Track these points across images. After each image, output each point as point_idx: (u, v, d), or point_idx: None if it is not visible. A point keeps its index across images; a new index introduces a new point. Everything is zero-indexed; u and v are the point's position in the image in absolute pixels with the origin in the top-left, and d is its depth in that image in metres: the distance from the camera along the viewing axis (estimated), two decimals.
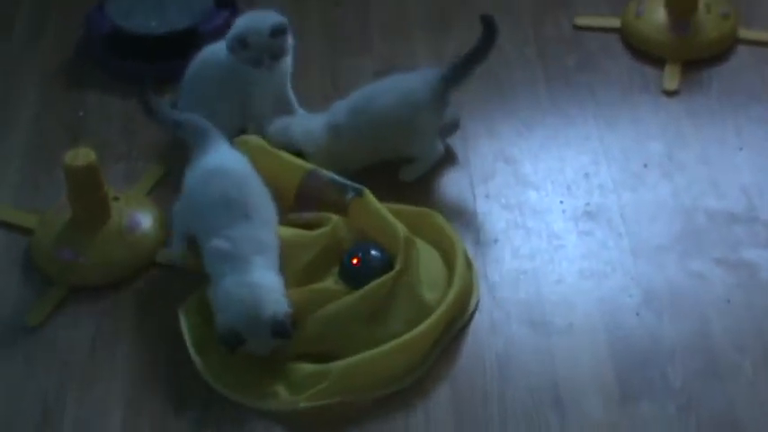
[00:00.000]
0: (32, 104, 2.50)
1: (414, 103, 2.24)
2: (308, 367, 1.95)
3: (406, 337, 1.96)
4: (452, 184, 2.30)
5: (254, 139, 2.22)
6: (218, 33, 2.53)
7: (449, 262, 2.10)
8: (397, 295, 2.01)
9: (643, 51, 2.54)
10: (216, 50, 2.33)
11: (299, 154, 2.20)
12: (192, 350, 1.98)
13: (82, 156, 2.06)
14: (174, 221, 2.12)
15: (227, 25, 2.55)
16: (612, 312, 2.06)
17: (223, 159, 2.08)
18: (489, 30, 2.23)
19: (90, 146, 2.10)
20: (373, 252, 2.07)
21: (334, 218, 2.11)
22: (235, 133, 2.25)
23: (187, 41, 2.52)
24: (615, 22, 2.60)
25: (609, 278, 2.12)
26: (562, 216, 2.23)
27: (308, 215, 2.14)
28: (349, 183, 2.15)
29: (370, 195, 2.12)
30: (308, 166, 2.18)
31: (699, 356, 1.98)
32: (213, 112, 2.24)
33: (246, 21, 2.29)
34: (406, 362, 1.96)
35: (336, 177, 2.16)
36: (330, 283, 2.05)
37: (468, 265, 2.11)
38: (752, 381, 1.94)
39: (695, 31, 2.52)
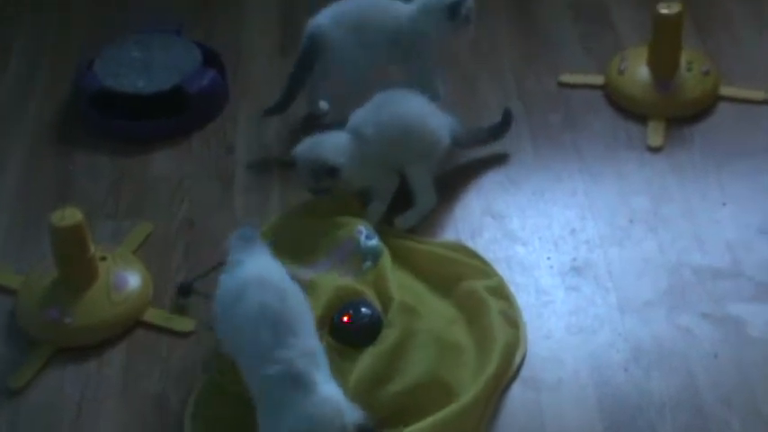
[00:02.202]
0: (20, 163, 2.50)
1: (432, 123, 2.32)
2: None
3: (463, 404, 1.94)
4: (441, 239, 2.30)
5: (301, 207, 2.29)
6: (205, 93, 2.56)
7: (481, 321, 2.09)
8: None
9: (627, 108, 2.57)
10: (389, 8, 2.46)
11: (331, 170, 2.21)
12: None
13: (68, 216, 2.06)
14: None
15: (214, 84, 2.58)
16: (601, 368, 2.06)
17: (260, 272, 1.91)
18: (508, 121, 2.43)
19: (77, 204, 2.10)
20: (363, 309, 2.07)
21: (326, 286, 2.11)
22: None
23: (174, 101, 2.54)
24: (598, 80, 2.63)
25: (597, 333, 2.12)
26: (549, 271, 2.24)
27: (307, 275, 2.14)
28: (371, 248, 2.17)
29: (384, 261, 2.16)
30: (347, 233, 2.19)
31: (687, 412, 1.98)
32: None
33: None
34: (465, 427, 1.95)
35: (362, 243, 2.18)
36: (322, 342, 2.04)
37: (508, 319, 2.10)
38: None
39: (677, 88, 2.55)
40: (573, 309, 2.17)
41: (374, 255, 2.18)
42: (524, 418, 1.98)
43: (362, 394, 1.94)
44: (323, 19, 2.45)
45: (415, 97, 2.35)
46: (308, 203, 2.30)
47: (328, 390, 1.81)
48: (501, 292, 2.16)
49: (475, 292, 2.14)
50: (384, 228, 2.28)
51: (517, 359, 2.06)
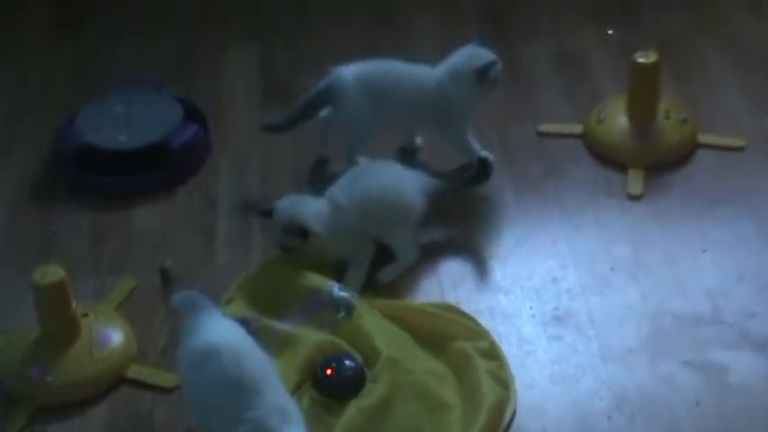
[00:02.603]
0: (3, 219, 2.50)
1: (406, 191, 2.33)
2: None
3: None
4: (422, 290, 2.31)
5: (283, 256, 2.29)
6: (187, 147, 2.57)
7: (469, 380, 2.09)
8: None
9: (606, 157, 2.59)
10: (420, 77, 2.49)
11: (302, 231, 2.23)
12: None
13: (51, 273, 2.06)
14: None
15: (196, 139, 2.60)
16: (584, 416, 2.06)
17: (216, 335, 1.93)
18: (485, 171, 2.41)
19: (59, 261, 2.11)
20: (347, 362, 2.07)
21: (308, 339, 2.12)
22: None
23: (156, 156, 2.55)
24: (578, 129, 2.65)
25: (580, 382, 2.12)
26: (532, 321, 2.25)
27: (285, 329, 2.15)
28: (344, 298, 2.18)
29: (360, 315, 2.16)
30: (318, 283, 2.21)
31: None
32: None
33: (483, 54, 2.47)
34: None
35: (334, 293, 2.19)
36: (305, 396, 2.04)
37: (497, 379, 2.09)
38: None
39: (656, 136, 2.57)
40: (555, 357, 2.17)
41: (347, 306, 2.18)
42: None
43: None
44: (347, 72, 2.47)
45: (391, 167, 2.36)
46: (282, 258, 2.31)
47: None
48: (492, 353, 2.15)
49: (464, 351, 2.13)
50: (370, 290, 2.29)
51: (506, 418, 2.05)
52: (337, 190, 2.33)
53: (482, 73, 2.45)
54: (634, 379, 2.12)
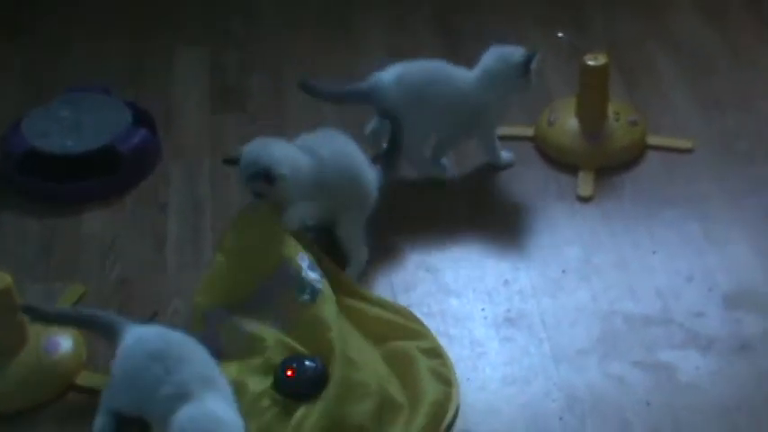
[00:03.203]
0: None
1: (367, 177, 2.32)
2: None
3: None
4: (375, 292, 2.30)
5: (264, 207, 2.20)
6: (136, 152, 2.55)
7: (409, 378, 2.09)
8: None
9: (557, 159, 2.60)
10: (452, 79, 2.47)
11: (267, 174, 2.16)
12: None
13: None
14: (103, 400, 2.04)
15: (145, 143, 2.58)
16: (536, 418, 2.07)
17: (141, 331, 2.02)
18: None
19: (6, 267, 2.08)
20: (307, 363, 2.07)
21: (270, 340, 2.11)
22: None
23: (105, 160, 2.53)
24: (528, 131, 2.66)
25: (531, 384, 2.13)
26: (484, 323, 2.25)
27: (249, 329, 2.13)
28: (311, 281, 2.15)
29: (323, 301, 2.14)
30: (289, 254, 2.17)
31: None
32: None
33: (514, 49, 2.47)
34: None
35: (302, 273, 2.16)
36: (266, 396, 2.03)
37: (439, 376, 2.09)
38: None
39: (606, 138, 2.59)
40: (507, 359, 2.18)
41: (312, 290, 2.15)
42: None
43: None
44: (386, 77, 2.45)
45: (355, 148, 2.34)
46: (260, 212, 2.23)
47: (218, 406, 1.88)
48: (434, 351, 2.15)
49: (404, 351, 2.13)
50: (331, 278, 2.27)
51: (449, 416, 2.05)
52: (314, 143, 2.27)
53: (526, 65, 2.45)
54: (585, 380, 2.13)
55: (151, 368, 1.93)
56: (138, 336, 2.01)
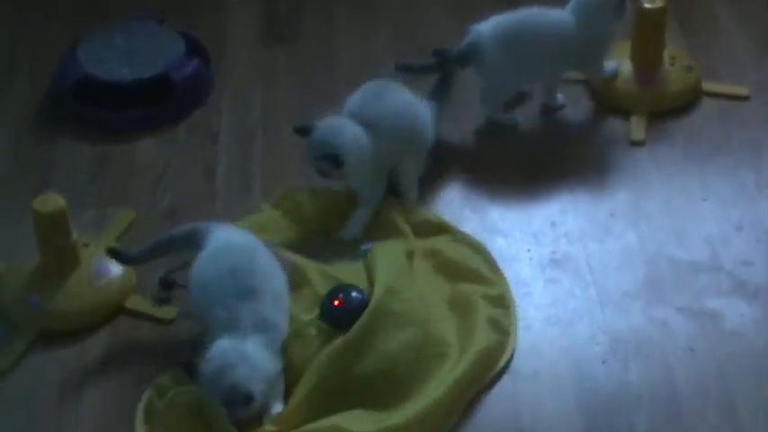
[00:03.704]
0: (3, 149, 2.50)
1: (423, 116, 2.33)
2: None
3: (430, 403, 1.94)
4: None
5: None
6: (188, 81, 2.56)
7: (466, 324, 2.09)
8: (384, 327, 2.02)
9: (610, 102, 2.58)
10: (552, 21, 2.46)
11: (335, 159, 2.17)
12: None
13: (51, 202, 2.06)
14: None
15: (198, 73, 2.59)
16: (579, 360, 2.08)
17: (228, 237, 2.04)
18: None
19: (59, 192, 2.10)
20: (354, 293, 2.08)
21: (313, 271, 2.13)
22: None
23: (157, 89, 2.54)
24: (581, 75, 2.64)
25: (575, 326, 2.13)
26: (529, 264, 2.25)
27: (297, 259, 2.15)
28: (363, 250, 2.20)
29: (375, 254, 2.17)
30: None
31: (663, 404, 2.00)
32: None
33: None
34: (429, 428, 1.94)
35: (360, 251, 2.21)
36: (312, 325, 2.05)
37: (494, 323, 2.09)
38: (715, 428, 1.96)
39: (660, 83, 2.56)
40: (552, 301, 2.18)
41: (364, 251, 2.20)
42: (500, 409, 2.00)
43: (333, 371, 1.96)
44: (484, 29, 2.44)
45: (402, 87, 2.34)
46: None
47: (255, 350, 1.89)
48: (501, 300, 2.14)
49: (468, 297, 2.13)
50: (408, 208, 2.30)
51: (499, 365, 2.05)
52: (367, 113, 2.25)
53: (621, 4, 2.44)
54: (630, 324, 2.13)
55: (221, 284, 1.96)
56: (224, 242, 2.02)
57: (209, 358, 1.89)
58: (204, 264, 2.01)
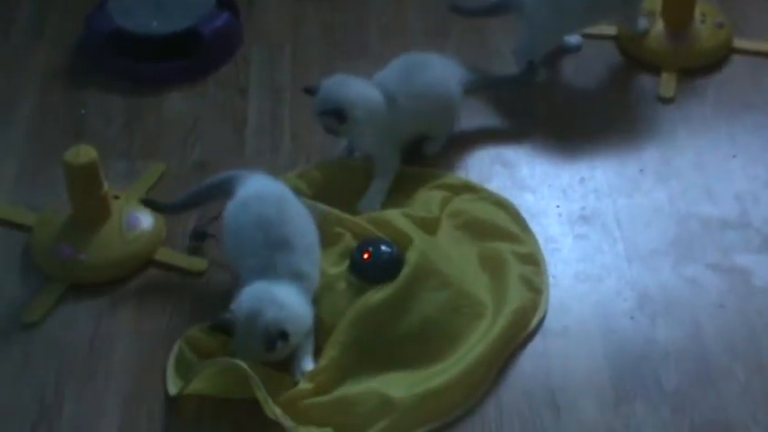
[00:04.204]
0: (33, 103, 2.51)
1: (454, 88, 2.32)
2: (365, 403, 1.90)
3: (469, 363, 1.94)
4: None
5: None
6: (218, 35, 2.56)
7: (498, 282, 2.09)
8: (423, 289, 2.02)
9: (640, 59, 2.57)
10: None
11: (339, 113, 2.17)
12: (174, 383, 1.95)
13: (83, 153, 2.07)
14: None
15: (228, 27, 2.59)
16: (607, 316, 2.08)
17: (260, 186, 2.05)
18: (529, 74, 2.41)
19: (90, 144, 2.11)
20: (384, 247, 2.09)
21: (345, 224, 2.14)
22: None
23: (187, 42, 2.54)
24: (611, 30, 2.62)
25: (604, 282, 2.14)
26: (558, 220, 2.25)
27: (327, 209, 2.16)
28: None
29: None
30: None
31: (692, 360, 2.00)
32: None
33: None
34: (467, 389, 1.94)
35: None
36: (341, 278, 2.05)
37: (526, 281, 2.09)
38: (744, 385, 1.96)
39: (691, 39, 2.55)
40: (580, 257, 2.18)
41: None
42: (530, 365, 2.01)
43: (366, 330, 1.97)
44: None
45: (437, 60, 2.32)
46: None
47: (288, 293, 1.90)
48: (531, 257, 2.14)
49: (498, 254, 2.13)
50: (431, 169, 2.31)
51: (533, 324, 2.05)
52: (392, 87, 2.25)
53: None
54: (658, 280, 2.13)
55: (254, 233, 1.97)
56: (256, 190, 2.03)
57: (241, 301, 1.90)
58: (237, 212, 2.02)
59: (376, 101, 2.22)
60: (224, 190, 2.08)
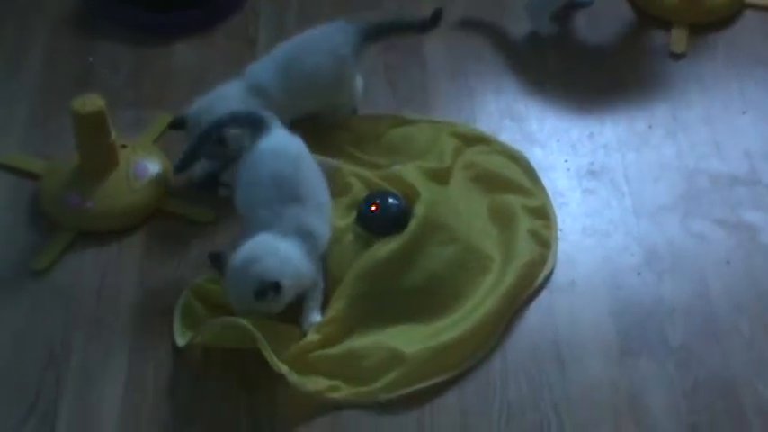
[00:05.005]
0: (42, 51, 2.50)
1: (341, 57, 2.22)
2: (373, 356, 1.91)
3: (479, 317, 1.95)
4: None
5: None
6: None
7: (507, 236, 2.09)
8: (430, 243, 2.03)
9: (651, 13, 2.55)
10: None
11: (218, 140, 2.08)
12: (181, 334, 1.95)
13: (90, 102, 2.07)
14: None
15: None
16: (614, 271, 2.08)
17: (279, 142, 2.03)
18: (433, 21, 2.27)
19: (98, 93, 2.11)
20: (391, 200, 2.09)
21: (354, 177, 2.14)
22: None
23: None
24: None
25: (611, 237, 2.14)
26: (566, 174, 2.25)
27: (335, 163, 2.16)
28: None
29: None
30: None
31: (697, 316, 2.01)
32: None
33: None
34: (477, 343, 1.95)
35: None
36: (349, 230, 2.06)
37: (535, 234, 2.09)
38: (748, 341, 1.97)
39: None
40: (588, 211, 2.18)
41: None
42: (537, 318, 2.01)
43: (373, 283, 1.97)
44: None
45: (317, 38, 2.25)
46: None
47: (289, 249, 1.90)
48: (541, 211, 2.14)
49: (508, 207, 2.13)
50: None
51: (540, 278, 2.05)
52: (263, 78, 2.19)
53: None
54: (665, 236, 2.13)
55: (267, 187, 1.96)
56: (274, 146, 2.01)
57: (240, 250, 1.91)
58: (253, 166, 2.01)
59: (239, 95, 2.15)
60: (253, 124, 2.05)
